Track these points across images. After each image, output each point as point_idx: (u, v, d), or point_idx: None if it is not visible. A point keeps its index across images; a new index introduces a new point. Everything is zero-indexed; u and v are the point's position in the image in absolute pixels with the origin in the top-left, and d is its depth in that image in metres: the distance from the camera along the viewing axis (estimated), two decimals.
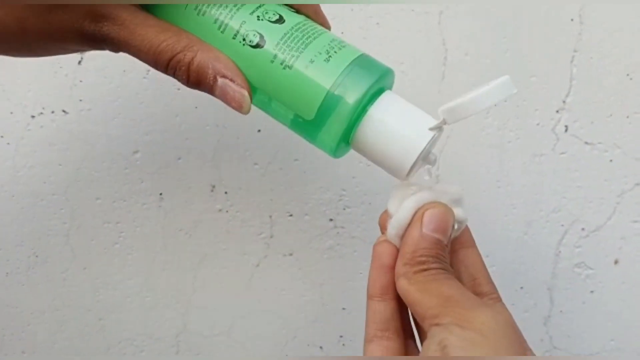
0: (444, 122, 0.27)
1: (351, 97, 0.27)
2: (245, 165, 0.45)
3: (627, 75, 0.44)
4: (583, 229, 0.47)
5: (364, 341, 0.27)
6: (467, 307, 0.24)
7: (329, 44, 0.28)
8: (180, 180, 0.45)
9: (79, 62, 0.42)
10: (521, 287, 0.49)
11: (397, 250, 0.28)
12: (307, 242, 0.47)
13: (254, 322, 0.49)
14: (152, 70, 0.27)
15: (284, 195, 0.46)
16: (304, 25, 0.28)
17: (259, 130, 0.44)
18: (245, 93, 0.27)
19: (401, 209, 0.28)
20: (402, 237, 0.28)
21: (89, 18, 0.26)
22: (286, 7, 0.29)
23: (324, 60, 0.27)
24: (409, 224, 0.28)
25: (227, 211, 0.46)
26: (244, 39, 0.28)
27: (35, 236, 0.46)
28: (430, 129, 0.28)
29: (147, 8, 0.28)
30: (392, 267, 0.27)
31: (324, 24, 0.30)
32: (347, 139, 0.29)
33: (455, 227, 0.28)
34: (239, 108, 0.27)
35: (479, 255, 0.30)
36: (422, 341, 0.28)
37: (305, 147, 0.45)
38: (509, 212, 0.47)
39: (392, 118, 0.28)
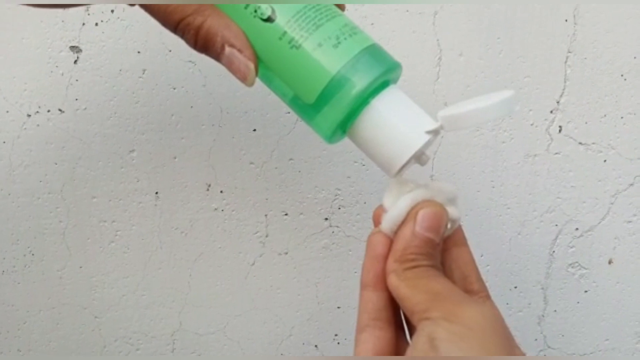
0: (442, 127, 0.27)
1: (356, 86, 0.27)
2: (241, 165, 0.45)
3: (621, 75, 0.44)
4: (577, 229, 0.48)
5: (355, 332, 0.27)
6: (456, 302, 0.24)
7: (340, 29, 0.27)
8: (176, 179, 0.45)
9: (75, 62, 0.42)
10: (515, 287, 0.49)
11: (391, 241, 0.28)
12: (302, 241, 0.47)
13: (249, 320, 0.49)
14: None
15: (280, 195, 0.46)
16: (319, 5, 0.28)
17: (255, 130, 0.44)
18: (252, 66, 0.27)
19: (396, 206, 0.28)
20: (396, 232, 0.28)
21: None
22: None
23: (333, 45, 0.27)
24: (403, 221, 0.28)
25: (222, 210, 0.46)
26: (255, 11, 0.27)
27: (31, 234, 0.46)
28: (427, 132, 0.27)
29: None
30: (386, 257, 0.27)
31: (340, 6, 0.29)
32: (344, 127, 0.28)
33: (449, 226, 0.28)
34: (244, 79, 0.27)
35: (471, 253, 0.30)
36: (411, 336, 0.28)
37: (301, 147, 0.45)
38: (503, 212, 0.47)
39: (393, 113, 0.28)
